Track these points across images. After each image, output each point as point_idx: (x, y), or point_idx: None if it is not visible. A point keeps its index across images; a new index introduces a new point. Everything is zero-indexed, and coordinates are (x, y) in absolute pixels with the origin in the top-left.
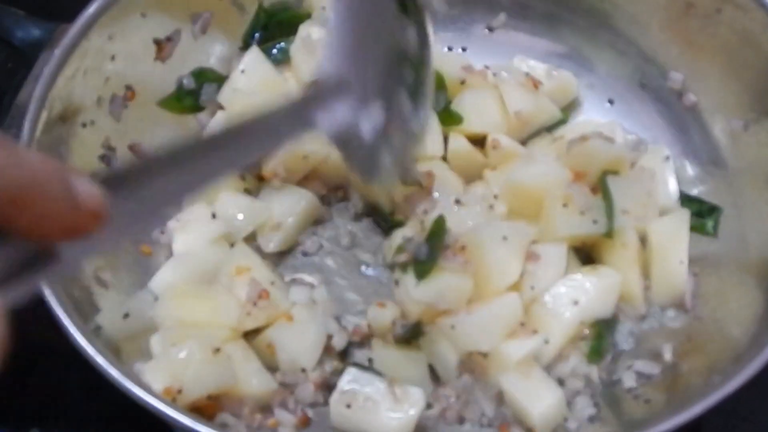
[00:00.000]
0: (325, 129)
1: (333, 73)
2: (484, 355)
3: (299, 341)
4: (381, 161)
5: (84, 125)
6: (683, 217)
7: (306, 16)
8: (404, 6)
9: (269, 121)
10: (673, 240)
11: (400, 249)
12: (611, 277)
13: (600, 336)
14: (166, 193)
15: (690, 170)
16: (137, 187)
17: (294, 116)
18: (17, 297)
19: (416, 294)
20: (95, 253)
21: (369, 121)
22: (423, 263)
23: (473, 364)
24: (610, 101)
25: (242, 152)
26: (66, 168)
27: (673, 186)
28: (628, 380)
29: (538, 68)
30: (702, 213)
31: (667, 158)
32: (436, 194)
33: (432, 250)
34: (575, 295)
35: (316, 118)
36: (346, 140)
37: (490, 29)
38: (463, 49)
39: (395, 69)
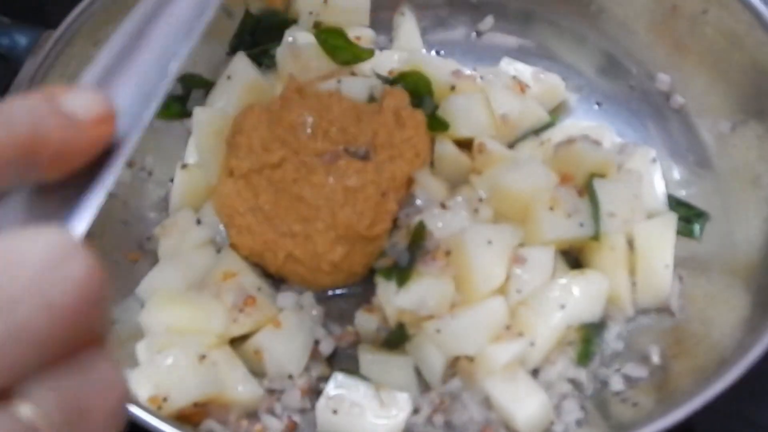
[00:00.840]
0: None
1: None
2: (471, 359)
3: (287, 347)
4: None
5: None
6: (670, 220)
7: (292, 22)
8: None
9: None
10: (659, 243)
11: (383, 254)
12: (599, 281)
13: (587, 340)
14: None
15: (677, 173)
16: (131, 62)
17: None
18: (83, 222)
19: (397, 301)
20: (132, 141)
21: None
22: (403, 270)
23: (460, 368)
24: (598, 103)
25: None
26: (55, 96)
27: (660, 188)
28: (616, 383)
29: (525, 71)
30: (689, 217)
31: (654, 160)
32: (418, 201)
33: (412, 257)
34: (563, 299)
35: None
36: None
37: (478, 33)
38: (450, 53)
39: None
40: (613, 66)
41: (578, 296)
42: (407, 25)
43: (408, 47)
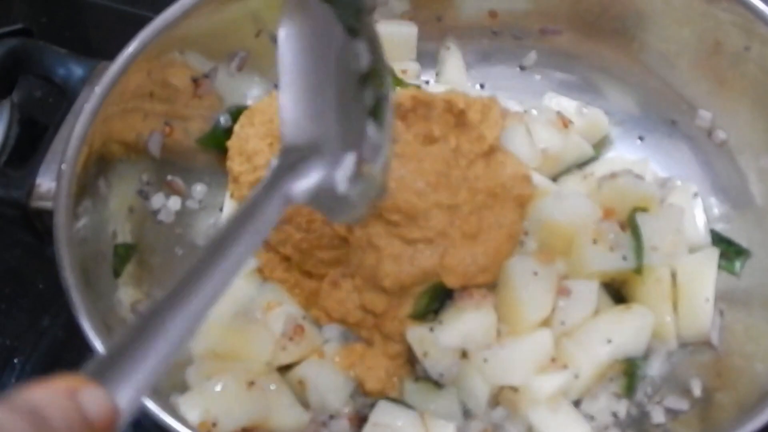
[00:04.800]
0: (301, 199)
1: (298, 138)
2: (515, 389)
3: (330, 379)
4: (352, 200)
5: (123, 161)
6: (712, 255)
7: None
8: (353, 29)
9: (250, 214)
10: (700, 278)
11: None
12: (645, 315)
13: (631, 373)
14: (173, 334)
15: (718, 207)
16: (146, 342)
17: (271, 198)
18: None
19: (443, 341)
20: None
21: (342, 173)
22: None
23: (504, 398)
24: (641, 138)
25: (236, 259)
26: (71, 389)
27: (701, 223)
28: (657, 416)
29: (569, 106)
30: (729, 254)
31: (696, 195)
32: None
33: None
34: (609, 333)
35: (292, 192)
36: (321, 195)
37: (522, 68)
38: (494, 87)
39: (356, 96)
40: (655, 101)
41: (624, 330)
42: (452, 60)
43: (453, 81)
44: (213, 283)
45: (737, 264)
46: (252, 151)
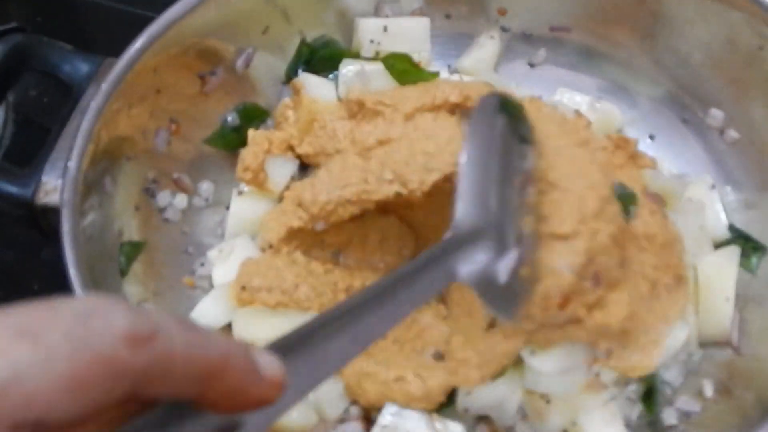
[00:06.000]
0: (465, 279)
1: (468, 219)
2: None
3: (330, 387)
4: (513, 291)
5: (129, 158)
6: (733, 253)
7: (355, 55)
8: (524, 138)
9: (415, 279)
10: (721, 276)
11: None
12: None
13: (651, 383)
14: (331, 357)
15: (731, 204)
16: (306, 353)
17: (436, 271)
18: None
19: (545, 369)
20: (275, 417)
21: (505, 264)
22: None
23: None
24: (651, 137)
25: (394, 312)
26: (248, 345)
27: (721, 216)
28: (669, 418)
29: (581, 101)
30: (747, 250)
31: (713, 187)
32: None
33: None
34: None
35: (457, 269)
36: (483, 281)
37: (531, 65)
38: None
39: (521, 194)
40: (666, 100)
41: None
42: (490, 49)
43: (478, 71)
44: (365, 328)
45: (754, 260)
46: None
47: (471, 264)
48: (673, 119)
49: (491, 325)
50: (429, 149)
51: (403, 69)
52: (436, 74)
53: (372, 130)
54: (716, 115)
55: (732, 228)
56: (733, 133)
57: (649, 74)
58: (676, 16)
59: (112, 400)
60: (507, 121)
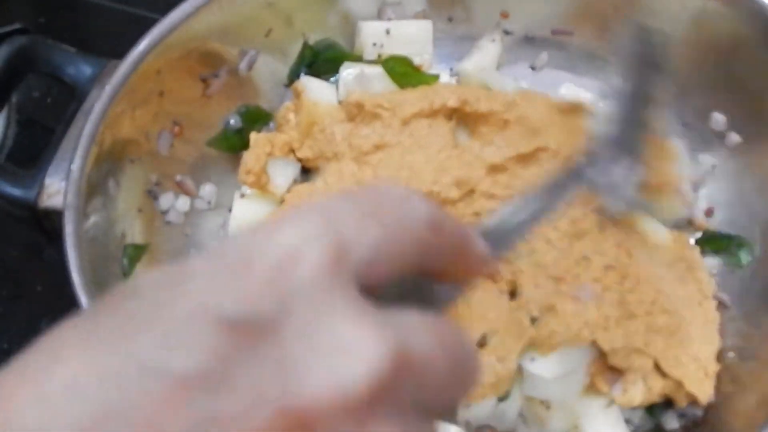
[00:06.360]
0: (596, 183)
1: (610, 138)
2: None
3: None
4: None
5: (132, 160)
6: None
7: (357, 58)
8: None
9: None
10: None
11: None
12: None
13: None
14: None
15: (731, 208)
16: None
17: (573, 175)
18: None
19: (544, 374)
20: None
21: (632, 181)
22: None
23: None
24: None
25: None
26: (471, 229)
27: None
28: (671, 422)
29: (585, 98)
30: (732, 247)
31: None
32: None
33: None
34: None
35: (591, 176)
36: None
37: (533, 68)
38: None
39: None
40: (667, 104)
41: None
42: (490, 51)
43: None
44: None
45: (742, 255)
46: None
47: (603, 175)
48: (675, 123)
49: (481, 344)
50: (416, 163)
51: (402, 72)
52: (436, 77)
53: (370, 133)
54: (718, 119)
55: (712, 233)
56: (734, 137)
57: None
58: (677, 19)
59: (404, 271)
60: (652, 51)
